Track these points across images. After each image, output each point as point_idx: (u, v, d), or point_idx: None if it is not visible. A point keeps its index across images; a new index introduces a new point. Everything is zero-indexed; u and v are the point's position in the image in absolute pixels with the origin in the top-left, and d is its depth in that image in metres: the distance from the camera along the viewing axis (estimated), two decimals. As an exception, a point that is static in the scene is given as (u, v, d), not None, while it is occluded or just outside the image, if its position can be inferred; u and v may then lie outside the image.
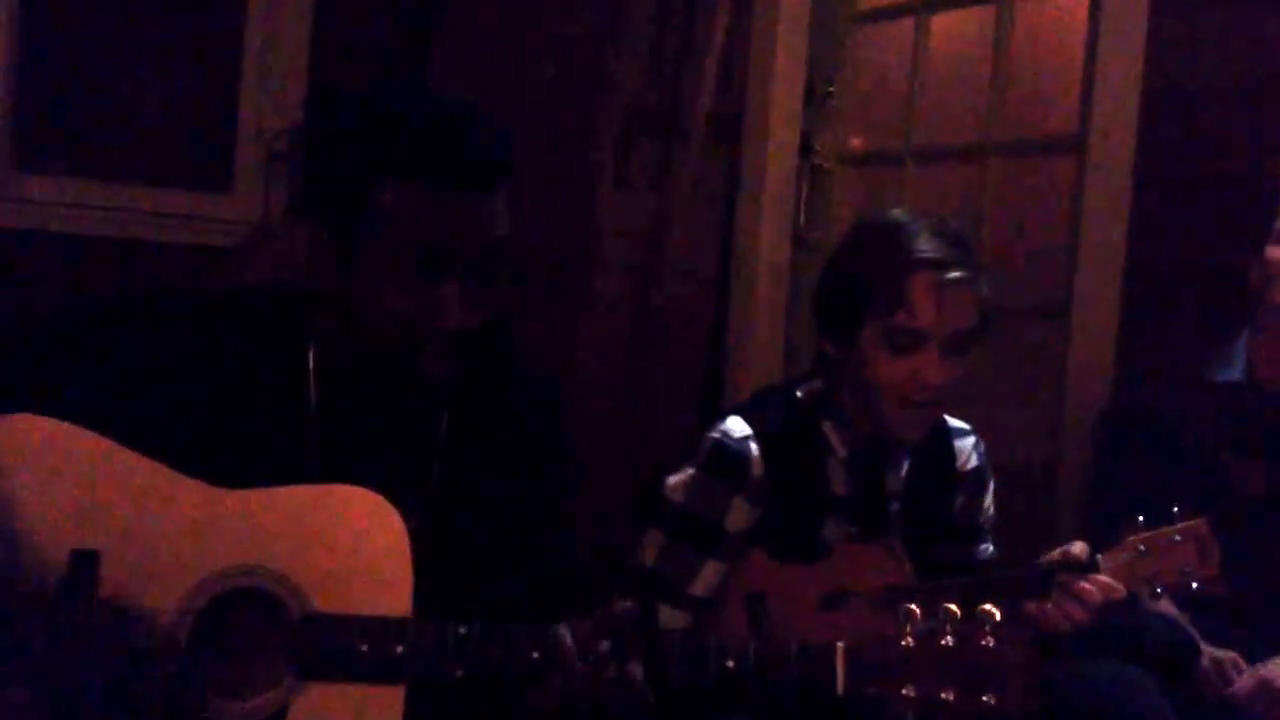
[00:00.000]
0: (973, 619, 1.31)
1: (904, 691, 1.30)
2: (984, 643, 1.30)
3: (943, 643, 1.30)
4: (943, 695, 1.29)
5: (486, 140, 1.40)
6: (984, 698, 1.29)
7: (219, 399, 1.45)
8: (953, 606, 1.31)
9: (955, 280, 1.85)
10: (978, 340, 1.92)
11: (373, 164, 1.38)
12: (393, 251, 1.38)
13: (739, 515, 1.93)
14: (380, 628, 1.33)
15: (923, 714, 1.31)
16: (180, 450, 1.38)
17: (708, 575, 1.92)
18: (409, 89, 1.50)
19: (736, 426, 1.95)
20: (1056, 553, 1.82)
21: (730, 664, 1.33)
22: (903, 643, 1.31)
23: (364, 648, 1.32)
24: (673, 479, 1.96)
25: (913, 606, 1.31)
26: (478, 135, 1.40)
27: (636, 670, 1.33)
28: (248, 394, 1.46)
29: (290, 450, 1.45)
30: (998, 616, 1.31)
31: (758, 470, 1.93)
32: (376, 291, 1.39)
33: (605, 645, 1.32)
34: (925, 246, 1.87)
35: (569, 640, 1.32)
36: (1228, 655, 2.16)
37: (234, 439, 1.43)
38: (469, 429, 1.52)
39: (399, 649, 1.32)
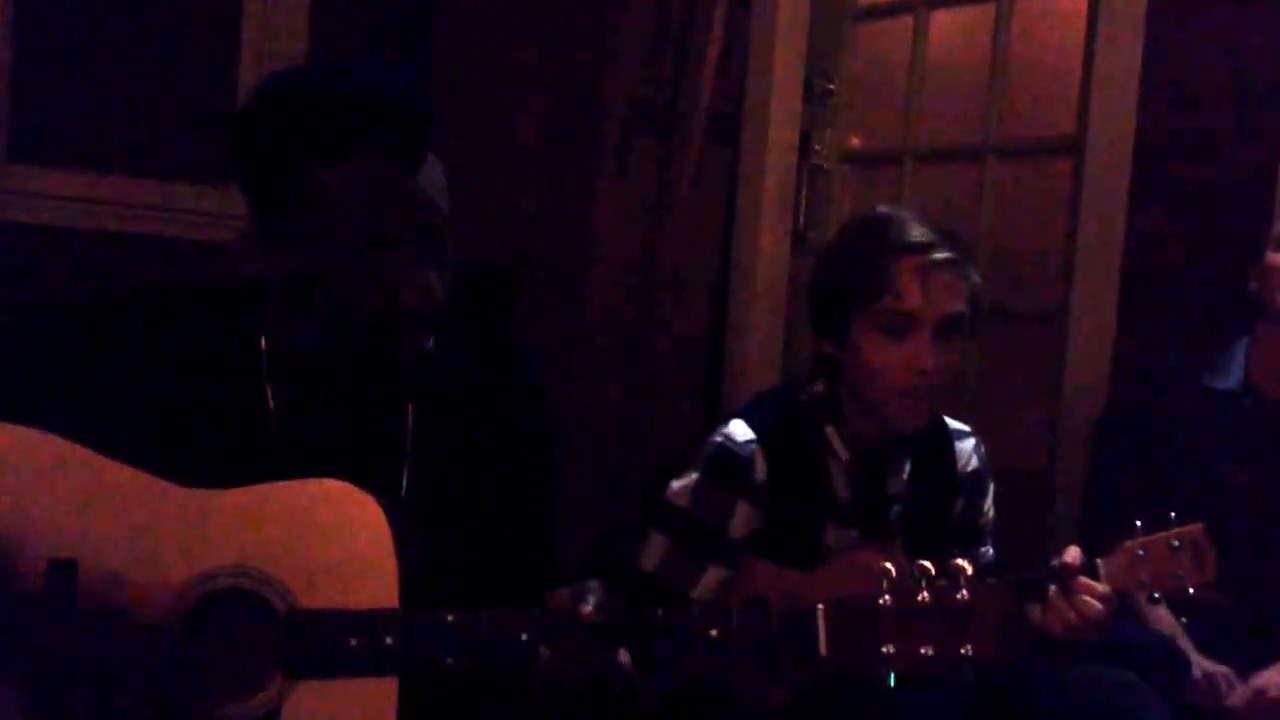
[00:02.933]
0: (947, 573, 1.32)
1: (884, 650, 1.30)
2: (959, 596, 1.31)
3: (919, 599, 1.31)
4: (922, 650, 1.30)
5: (410, 106, 1.39)
6: (962, 650, 1.30)
7: (174, 396, 1.42)
8: (926, 563, 1.32)
9: (940, 262, 1.86)
10: (969, 327, 1.92)
11: (302, 150, 1.36)
12: (344, 234, 1.36)
13: (742, 520, 1.93)
14: (368, 620, 1.31)
15: (903, 670, 1.31)
16: (138, 450, 1.36)
17: (709, 580, 1.92)
18: (324, 67, 1.46)
19: (739, 431, 1.95)
20: (1055, 560, 1.83)
21: (714, 633, 1.33)
22: (880, 601, 1.31)
23: (353, 641, 1.30)
24: (676, 484, 1.96)
25: (888, 565, 1.32)
26: (400, 102, 1.39)
27: (623, 652, 1.32)
28: (202, 390, 1.43)
29: (249, 447, 1.42)
30: (970, 570, 1.31)
31: (761, 475, 1.93)
32: (335, 280, 1.37)
33: (591, 623, 1.32)
34: (908, 232, 1.89)
35: (556, 621, 1.32)
36: (1220, 670, 2.17)
37: (191, 437, 1.41)
38: (438, 414, 1.50)
39: (389, 640, 1.31)
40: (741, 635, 1.33)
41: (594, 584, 1.39)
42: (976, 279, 1.93)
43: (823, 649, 1.32)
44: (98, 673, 1.28)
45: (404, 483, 1.47)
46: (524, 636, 1.31)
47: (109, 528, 1.33)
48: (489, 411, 1.55)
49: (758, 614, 1.34)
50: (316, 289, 1.38)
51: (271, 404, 1.45)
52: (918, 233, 1.89)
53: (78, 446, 1.35)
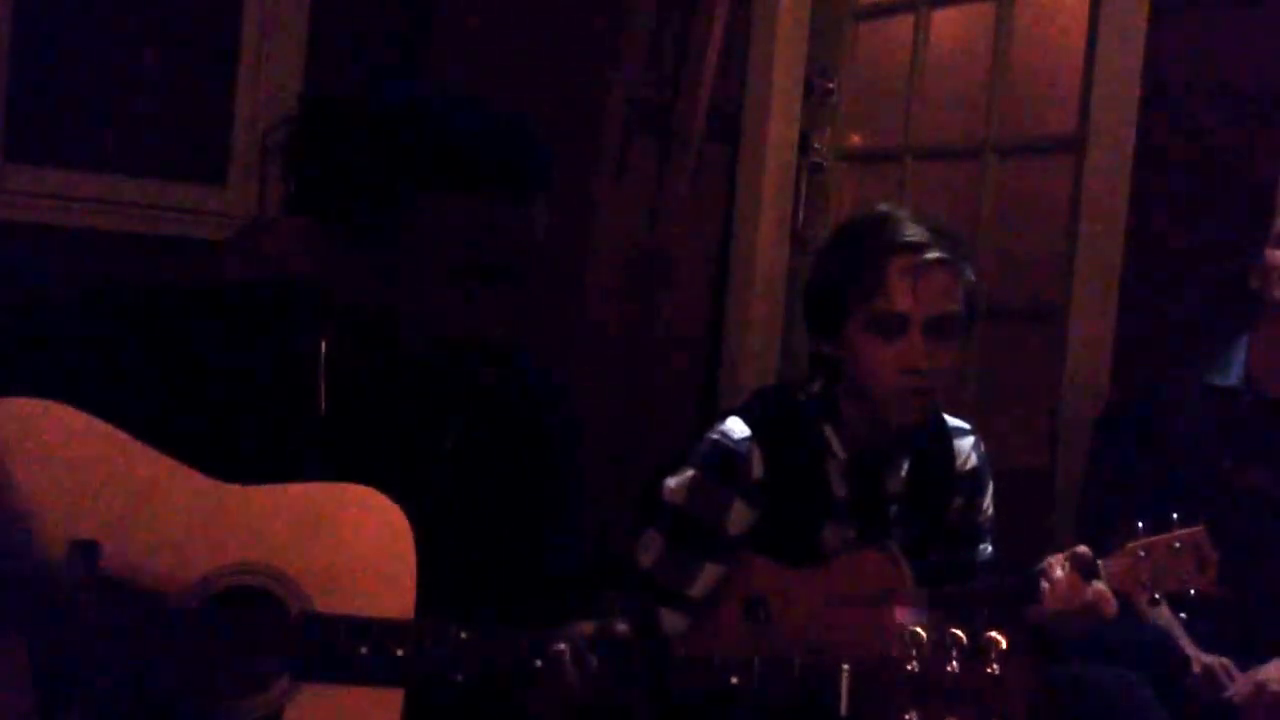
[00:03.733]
0: (979, 645, 1.30)
1: (907, 717, 1.29)
2: (990, 669, 1.29)
3: (949, 669, 1.30)
4: None
5: (533, 149, 1.39)
6: None
7: (224, 393, 1.42)
8: (959, 632, 1.30)
9: (930, 262, 1.86)
10: (965, 325, 1.92)
11: (418, 175, 1.34)
12: (441, 261, 1.36)
13: (738, 517, 1.92)
14: (381, 629, 1.31)
15: None
16: (185, 443, 1.36)
17: (707, 578, 1.92)
18: (437, 93, 1.44)
19: (736, 428, 1.94)
20: (1060, 556, 1.82)
21: (734, 680, 1.32)
22: (908, 667, 1.30)
23: (364, 649, 1.30)
24: (672, 481, 1.95)
25: (919, 631, 1.31)
26: (526, 144, 1.39)
27: (636, 682, 1.32)
28: (254, 389, 1.43)
29: (296, 447, 1.42)
30: (1004, 644, 1.30)
31: (757, 472, 1.92)
32: (421, 299, 1.37)
33: (606, 658, 1.32)
34: (901, 232, 1.89)
35: (570, 651, 1.31)
36: (1219, 661, 2.16)
37: (239, 434, 1.41)
38: (477, 429, 1.50)
39: (399, 652, 1.30)
40: (762, 686, 1.32)
41: (620, 622, 1.39)
42: (971, 278, 1.92)
43: (843, 708, 1.31)
44: (109, 657, 1.27)
45: (438, 489, 1.46)
46: (538, 663, 1.31)
47: (133, 511, 1.33)
48: (521, 428, 1.54)
49: (782, 669, 1.33)
50: (407, 311, 1.38)
51: (324, 407, 1.44)
52: (910, 233, 1.88)
53: (111, 427, 1.35)
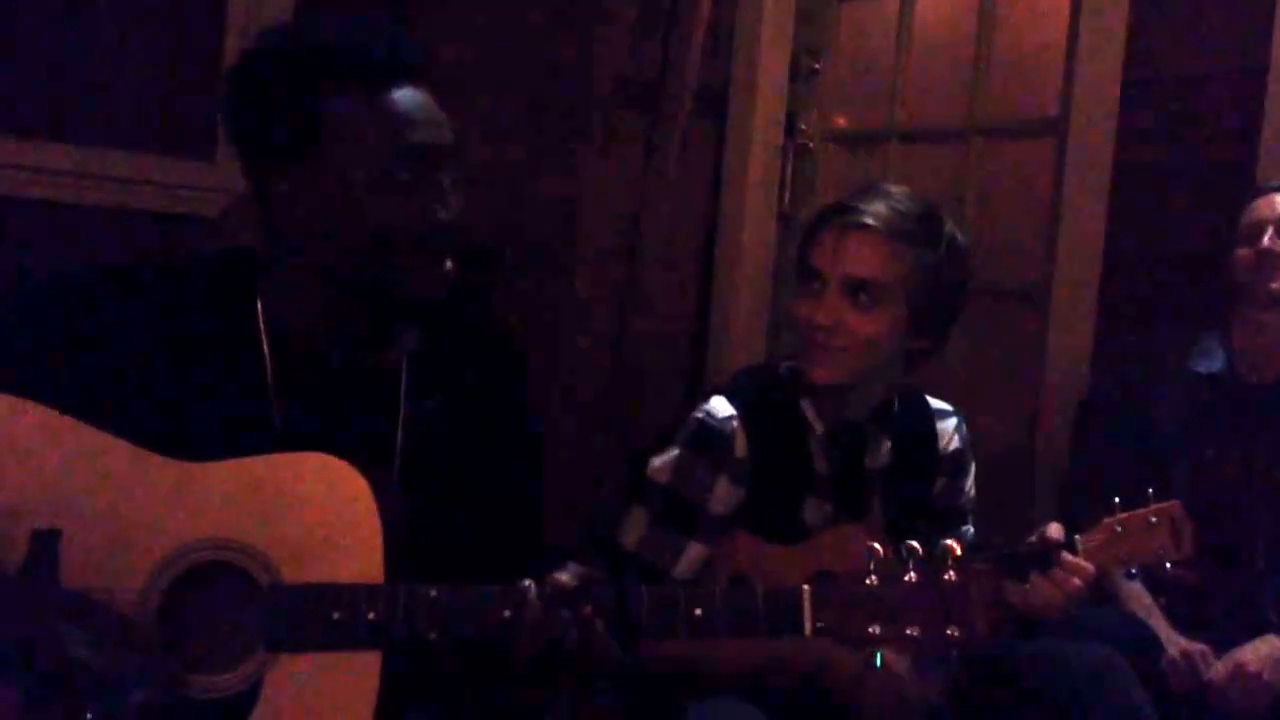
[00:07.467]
0: (934, 555, 1.32)
1: (870, 630, 1.31)
2: (946, 577, 1.31)
3: (906, 580, 1.31)
4: (908, 631, 1.31)
5: (408, 36, 1.45)
6: (948, 631, 1.31)
7: (172, 370, 1.42)
8: (914, 544, 1.32)
9: (857, 226, 1.90)
10: (899, 300, 1.91)
11: (321, 81, 1.39)
12: (374, 159, 1.38)
13: (722, 496, 1.94)
14: (351, 595, 1.32)
15: (889, 651, 1.32)
16: (136, 424, 1.36)
17: (691, 556, 1.93)
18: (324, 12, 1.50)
19: (720, 406, 1.96)
20: (1034, 536, 1.85)
21: (698, 612, 1.34)
22: (867, 581, 1.31)
23: (336, 615, 1.32)
24: (657, 460, 1.96)
25: (876, 546, 1.33)
26: (402, 33, 1.44)
27: (604, 625, 1.34)
28: (200, 363, 1.44)
29: (248, 419, 1.43)
30: (958, 551, 1.32)
31: (740, 450, 1.94)
32: (361, 206, 1.38)
33: (573, 600, 1.33)
34: (851, 199, 1.94)
35: (537, 598, 1.33)
36: (1197, 648, 2.18)
37: (189, 410, 1.41)
38: (430, 389, 1.51)
39: (371, 615, 1.32)
40: (726, 615, 1.34)
41: (580, 568, 1.39)
42: (924, 260, 1.91)
43: (808, 629, 1.32)
44: (77, 644, 1.27)
45: (396, 456, 1.47)
46: (506, 613, 1.32)
47: (92, 498, 1.34)
48: (478, 388, 1.56)
49: (743, 593, 1.34)
50: (347, 228, 1.39)
51: (270, 375, 1.45)
52: (859, 199, 1.93)
53: (61, 415, 1.35)
